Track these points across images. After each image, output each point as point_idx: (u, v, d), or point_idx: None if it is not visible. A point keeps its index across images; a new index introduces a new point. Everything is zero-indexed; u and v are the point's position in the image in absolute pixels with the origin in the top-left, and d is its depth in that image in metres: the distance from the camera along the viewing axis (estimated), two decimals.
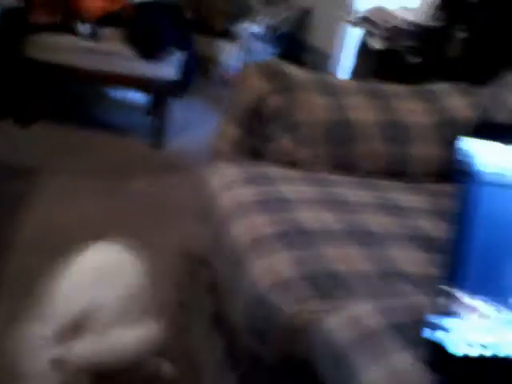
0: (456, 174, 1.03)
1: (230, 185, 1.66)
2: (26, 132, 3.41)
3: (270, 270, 1.31)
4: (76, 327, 1.53)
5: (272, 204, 1.55)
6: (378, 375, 0.99)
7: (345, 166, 1.88)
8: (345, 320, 1.14)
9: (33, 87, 3.45)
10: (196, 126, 3.99)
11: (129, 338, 1.61)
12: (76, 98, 4.04)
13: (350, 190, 1.72)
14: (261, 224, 1.46)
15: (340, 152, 1.88)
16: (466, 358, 0.91)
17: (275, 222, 1.47)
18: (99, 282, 1.61)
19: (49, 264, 2.27)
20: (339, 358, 1.07)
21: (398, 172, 1.94)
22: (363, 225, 1.53)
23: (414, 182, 1.91)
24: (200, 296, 1.86)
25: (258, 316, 1.25)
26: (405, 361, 1.00)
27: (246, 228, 1.46)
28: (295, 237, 1.42)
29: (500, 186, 1.01)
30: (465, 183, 1.00)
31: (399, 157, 1.94)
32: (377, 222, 1.56)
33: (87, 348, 1.55)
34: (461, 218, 0.98)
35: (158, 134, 3.57)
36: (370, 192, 1.73)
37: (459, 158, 1.03)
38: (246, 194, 1.60)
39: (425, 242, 1.51)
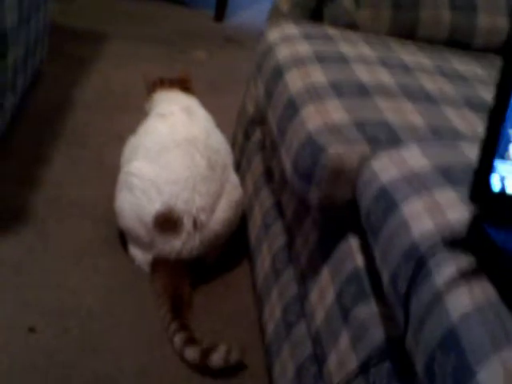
0: None
1: (288, 39, 1.65)
2: None
3: (321, 112, 1.32)
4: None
5: (329, 58, 1.54)
6: (419, 205, 1.00)
7: (406, 31, 1.84)
8: (390, 160, 1.15)
9: None
10: (258, 2, 3.94)
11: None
12: None
13: (409, 54, 1.69)
14: (316, 73, 1.46)
15: (402, 16, 1.84)
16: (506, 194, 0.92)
17: (331, 73, 1.47)
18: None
19: (105, 120, 2.36)
20: (381, 193, 1.09)
21: (461, 42, 1.89)
22: (420, 85, 1.51)
23: (477, 53, 1.86)
24: (252, 155, 1.88)
25: (306, 156, 1.26)
26: (448, 195, 1.01)
27: (300, 76, 1.47)
28: (350, 87, 1.42)
29: None
30: None
31: (464, 26, 1.88)
32: (434, 85, 1.54)
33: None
34: None
35: (220, 6, 3.54)
36: (430, 58, 1.70)
37: None
38: (304, 48, 1.59)
39: (481, 108, 1.49)
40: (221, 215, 1.68)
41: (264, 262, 1.61)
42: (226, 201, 1.69)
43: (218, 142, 1.75)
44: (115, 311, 1.59)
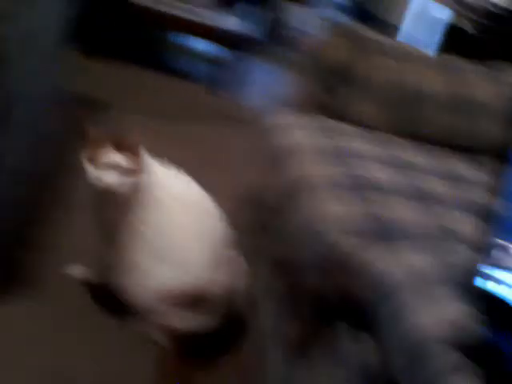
0: None
1: (289, 126, 1.71)
2: (91, 63, 3.49)
3: (331, 208, 1.37)
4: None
5: (331, 151, 1.61)
6: (426, 313, 1.02)
7: (409, 130, 1.91)
8: (398, 261, 1.18)
9: (106, 22, 3.51)
10: (259, 81, 4.04)
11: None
12: (143, 40, 4.10)
13: (413, 153, 1.76)
14: (325, 166, 1.52)
15: (406, 116, 1.91)
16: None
17: (339, 167, 1.53)
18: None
19: None
20: (389, 295, 1.11)
21: (459, 144, 1.96)
22: (417, 183, 1.57)
23: (475, 155, 1.93)
24: (256, 237, 1.90)
25: (317, 251, 1.29)
26: (453, 304, 1.04)
27: (309, 167, 1.52)
28: (358, 183, 1.47)
29: None
30: None
31: (463, 130, 1.96)
32: (430, 183, 1.60)
33: None
34: None
35: (222, 84, 3.62)
36: (432, 158, 1.77)
37: None
38: (313, 139, 1.65)
39: (481, 212, 1.54)
40: (231, 286, 1.74)
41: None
42: (236, 273, 1.77)
43: (218, 217, 1.78)
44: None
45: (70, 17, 2.41)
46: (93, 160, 1.56)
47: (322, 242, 1.28)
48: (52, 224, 2.08)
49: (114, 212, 1.66)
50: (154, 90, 3.47)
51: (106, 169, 1.56)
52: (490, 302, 0.95)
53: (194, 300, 1.68)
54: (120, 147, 1.58)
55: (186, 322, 1.70)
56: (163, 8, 3.41)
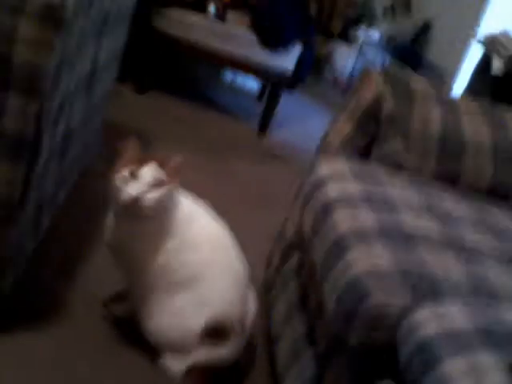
0: None
1: (338, 174, 1.73)
2: (142, 98, 3.58)
3: (367, 257, 1.38)
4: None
5: (376, 201, 1.61)
6: (460, 366, 1.04)
7: (449, 178, 1.92)
8: (432, 315, 1.19)
9: (155, 57, 3.60)
10: (300, 120, 4.09)
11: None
12: (192, 75, 4.19)
13: (453, 203, 1.76)
14: (364, 216, 1.53)
15: (447, 164, 1.92)
16: None
17: (378, 217, 1.53)
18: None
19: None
20: (423, 346, 1.12)
21: (499, 194, 1.96)
22: (461, 237, 1.57)
23: None
24: (288, 279, 1.93)
25: (350, 297, 1.31)
26: (488, 360, 1.05)
27: (349, 217, 1.53)
28: (396, 234, 1.48)
29: None
30: None
31: (505, 179, 1.96)
32: (475, 237, 1.60)
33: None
34: None
35: (264, 121, 3.68)
36: (472, 209, 1.77)
37: None
38: (353, 187, 1.66)
39: None
40: (250, 322, 1.81)
41: None
42: (251, 309, 1.83)
43: (238, 253, 1.81)
44: None
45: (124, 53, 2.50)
46: (130, 174, 1.58)
47: (370, 299, 1.30)
48: (86, 256, 2.13)
49: (139, 237, 1.67)
50: (199, 125, 3.54)
51: (142, 182, 1.58)
52: None
53: (216, 335, 1.72)
54: (159, 163, 1.60)
55: (209, 356, 1.73)
56: (214, 44, 3.48)
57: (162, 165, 1.61)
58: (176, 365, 1.76)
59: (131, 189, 1.57)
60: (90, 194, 2.46)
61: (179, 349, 1.75)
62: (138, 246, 1.68)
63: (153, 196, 1.59)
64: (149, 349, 1.79)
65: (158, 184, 1.59)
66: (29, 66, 1.43)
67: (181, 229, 1.70)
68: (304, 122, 4.08)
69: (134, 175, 1.58)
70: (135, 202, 1.57)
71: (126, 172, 1.58)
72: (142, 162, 1.60)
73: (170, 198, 1.65)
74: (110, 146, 2.76)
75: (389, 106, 1.91)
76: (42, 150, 1.57)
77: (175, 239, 1.69)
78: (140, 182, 1.58)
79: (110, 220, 1.72)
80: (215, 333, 1.72)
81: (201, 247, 1.72)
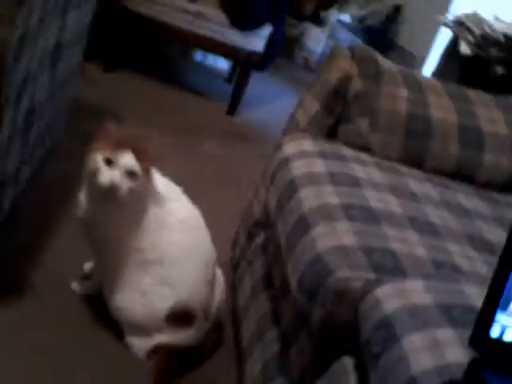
0: None
1: (304, 153, 1.73)
2: (110, 77, 3.54)
3: (331, 234, 1.39)
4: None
5: (342, 179, 1.62)
6: (420, 342, 1.05)
7: (414, 159, 1.93)
8: (394, 291, 1.20)
9: (123, 36, 3.56)
10: (270, 101, 4.08)
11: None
12: (161, 55, 4.15)
13: (417, 182, 1.77)
14: (329, 193, 1.53)
15: (413, 145, 1.93)
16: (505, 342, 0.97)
17: (342, 194, 1.54)
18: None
19: None
20: (383, 323, 1.13)
21: (464, 176, 1.98)
22: (425, 215, 1.58)
23: (479, 188, 1.95)
24: (254, 258, 1.93)
25: (313, 274, 1.32)
26: (448, 335, 1.06)
27: (314, 194, 1.54)
28: (359, 211, 1.49)
29: None
30: None
31: (470, 162, 1.98)
32: (438, 215, 1.61)
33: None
34: None
35: (234, 101, 3.66)
36: (436, 188, 1.78)
37: None
38: (318, 165, 1.67)
39: (481, 244, 1.56)
40: (216, 303, 1.83)
41: (254, 366, 1.64)
42: (218, 290, 1.85)
43: (208, 235, 1.82)
44: None
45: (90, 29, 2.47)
46: (107, 160, 1.58)
47: (334, 275, 1.30)
48: (53, 234, 2.11)
49: (112, 218, 1.67)
50: (169, 105, 3.51)
51: (118, 170, 1.57)
52: (480, 333, 0.97)
53: (180, 320, 1.72)
54: (136, 152, 1.59)
55: (172, 339, 1.74)
56: (184, 24, 3.45)
57: (138, 152, 1.60)
58: (139, 344, 1.76)
59: (108, 174, 1.57)
60: (56, 171, 2.43)
61: (143, 329, 1.74)
62: (110, 225, 1.68)
63: (127, 186, 1.59)
64: (114, 327, 1.79)
65: (133, 174, 1.59)
66: None
67: (154, 210, 1.70)
68: (273, 103, 4.07)
69: (110, 160, 1.57)
70: (111, 187, 1.57)
71: (103, 155, 1.58)
72: (119, 145, 1.58)
73: (144, 187, 1.64)
74: (76, 124, 2.77)
75: (356, 84, 1.91)
76: (3, 126, 1.54)
77: (148, 220, 1.69)
78: (116, 169, 1.57)
79: (82, 197, 1.70)
80: (179, 317, 1.72)
81: (173, 229, 1.72)
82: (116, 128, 1.64)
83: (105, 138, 1.61)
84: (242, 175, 2.97)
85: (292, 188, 1.60)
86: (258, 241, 1.94)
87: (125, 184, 1.58)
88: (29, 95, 1.74)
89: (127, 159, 1.58)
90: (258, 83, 3.96)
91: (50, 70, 1.95)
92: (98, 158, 1.58)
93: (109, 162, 1.57)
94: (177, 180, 1.81)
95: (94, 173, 1.58)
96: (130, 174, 1.58)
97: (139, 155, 1.59)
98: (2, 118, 1.51)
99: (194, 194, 1.82)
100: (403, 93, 1.94)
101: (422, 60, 4.15)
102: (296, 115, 2.00)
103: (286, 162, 1.72)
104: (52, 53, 1.90)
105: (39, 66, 1.77)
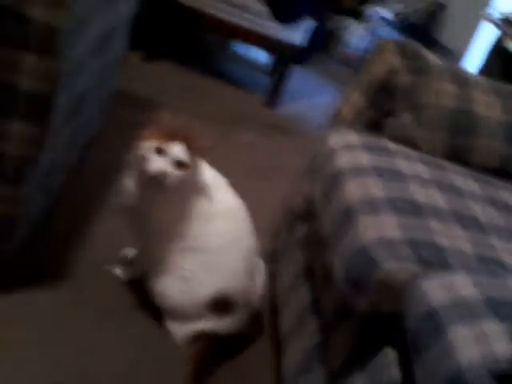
0: None
1: (349, 147, 1.73)
2: (150, 66, 3.57)
3: (376, 226, 1.40)
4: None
5: (387, 173, 1.62)
6: (466, 335, 1.05)
7: (459, 155, 1.92)
8: (440, 284, 1.20)
9: (165, 26, 3.59)
10: (308, 95, 4.08)
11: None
12: (202, 46, 4.17)
13: (462, 178, 1.76)
14: (374, 186, 1.54)
15: (457, 141, 1.92)
16: None
17: (388, 188, 1.54)
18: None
19: None
20: (430, 314, 1.14)
21: (508, 173, 1.96)
22: (469, 211, 1.58)
23: None
24: (295, 249, 1.94)
25: (358, 266, 1.33)
26: (494, 329, 1.06)
27: (359, 187, 1.54)
28: (404, 204, 1.49)
29: None
30: None
31: None
32: (483, 211, 1.61)
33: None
34: None
35: (273, 94, 3.67)
36: (481, 185, 1.77)
37: None
38: (364, 158, 1.67)
39: None
40: (257, 293, 1.85)
41: (293, 356, 1.65)
42: (260, 280, 1.87)
43: (250, 225, 1.84)
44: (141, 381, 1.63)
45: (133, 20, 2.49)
46: (157, 149, 1.60)
47: (380, 266, 1.31)
48: (93, 221, 2.14)
49: (159, 205, 1.70)
50: (208, 95, 3.53)
51: (168, 159, 1.60)
52: None
53: (221, 308, 1.76)
54: (186, 144, 1.62)
55: (212, 326, 1.77)
56: (226, 16, 3.47)
57: (189, 143, 1.63)
58: (180, 330, 1.78)
59: (158, 163, 1.60)
60: (96, 159, 2.46)
61: (184, 315, 1.77)
62: (157, 212, 1.71)
63: (175, 175, 1.61)
64: (155, 313, 1.81)
65: (182, 164, 1.62)
66: (44, 26, 1.43)
67: (200, 200, 1.73)
68: (311, 96, 4.07)
69: (161, 149, 1.60)
70: (160, 176, 1.60)
71: (154, 144, 1.60)
72: (171, 136, 1.61)
73: (192, 177, 1.68)
74: (116, 112, 2.80)
75: (403, 79, 1.91)
76: (58, 111, 1.57)
77: (194, 209, 1.72)
78: (167, 158, 1.60)
79: (129, 183, 1.72)
80: (220, 305, 1.75)
81: (217, 218, 1.75)
82: (168, 118, 1.66)
83: (157, 127, 1.64)
84: (280, 167, 2.99)
85: (338, 180, 1.61)
86: (299, 232, 1.95)
87: (173, 173, 1.60)
88: (80, 82, 1.77)
89: (178, 150, 1.60)
90: (296, 77, 3.96)
91: (99, 58, 1.97)
92: (148, 146, 1.60)
93: (159, 152, 1.60)
94: (216, 170, 1.83)
95: (144, 160, 1.61)
96: (179, 163, 1.61)
97: (189, 147, 1.62)
98: (57, 104, 1.54)
99: (233, 183, 1.84)
100: (450, 88, 1.94)
101: (463, 58, 4.11)
102: (341, 108, 2.00)
103: (331, 154, 1.73)
104: (101, 41, 1.93)
105: (89, 54, 1.80)
